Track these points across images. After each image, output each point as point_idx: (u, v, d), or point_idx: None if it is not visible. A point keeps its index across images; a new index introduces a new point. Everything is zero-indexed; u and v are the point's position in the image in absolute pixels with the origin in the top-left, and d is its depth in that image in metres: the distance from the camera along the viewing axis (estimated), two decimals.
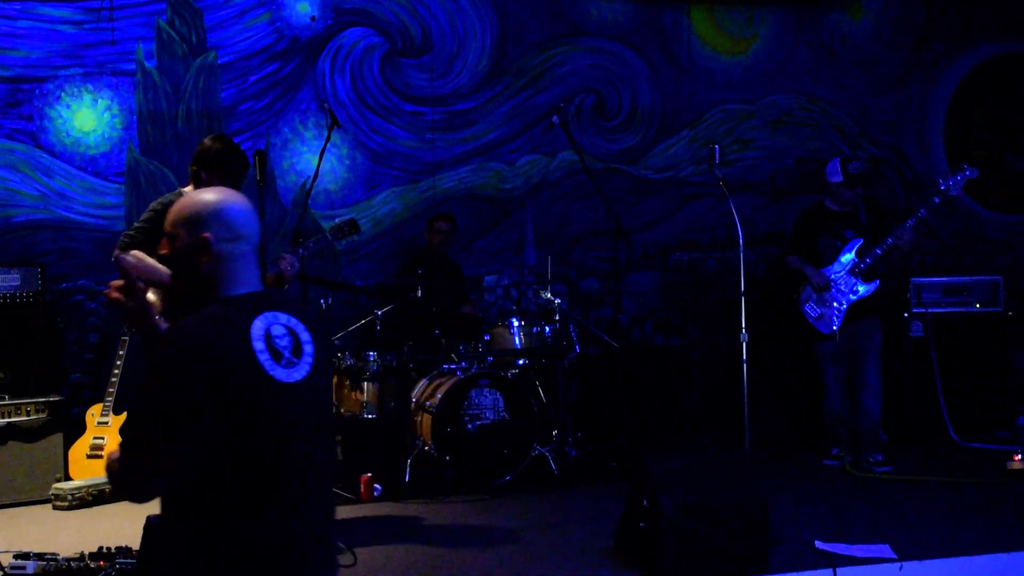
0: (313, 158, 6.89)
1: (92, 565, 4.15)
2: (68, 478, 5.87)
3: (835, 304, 6.04)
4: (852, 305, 6.04)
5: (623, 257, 7.40)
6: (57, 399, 5.95)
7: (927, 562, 4.17)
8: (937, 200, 5.86)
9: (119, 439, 2.22)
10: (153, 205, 4.91)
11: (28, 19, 6.66)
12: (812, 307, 6.12)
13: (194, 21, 6.98)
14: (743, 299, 6.19)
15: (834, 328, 6.02)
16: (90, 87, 6.81)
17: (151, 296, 4.66)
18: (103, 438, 6.06)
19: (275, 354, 2.23)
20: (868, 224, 6.10)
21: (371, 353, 6.12)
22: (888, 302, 6.75)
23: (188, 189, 4.98)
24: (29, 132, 6.69)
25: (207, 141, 4.97)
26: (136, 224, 4.86)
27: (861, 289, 6.02)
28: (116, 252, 4.75)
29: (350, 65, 7.30)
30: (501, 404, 5.89)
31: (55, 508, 5.58)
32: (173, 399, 2.09)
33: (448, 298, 6.79)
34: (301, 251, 5.20)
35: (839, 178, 6.07)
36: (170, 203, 4.82)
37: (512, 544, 4.64)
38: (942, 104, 8.34)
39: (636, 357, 7.16)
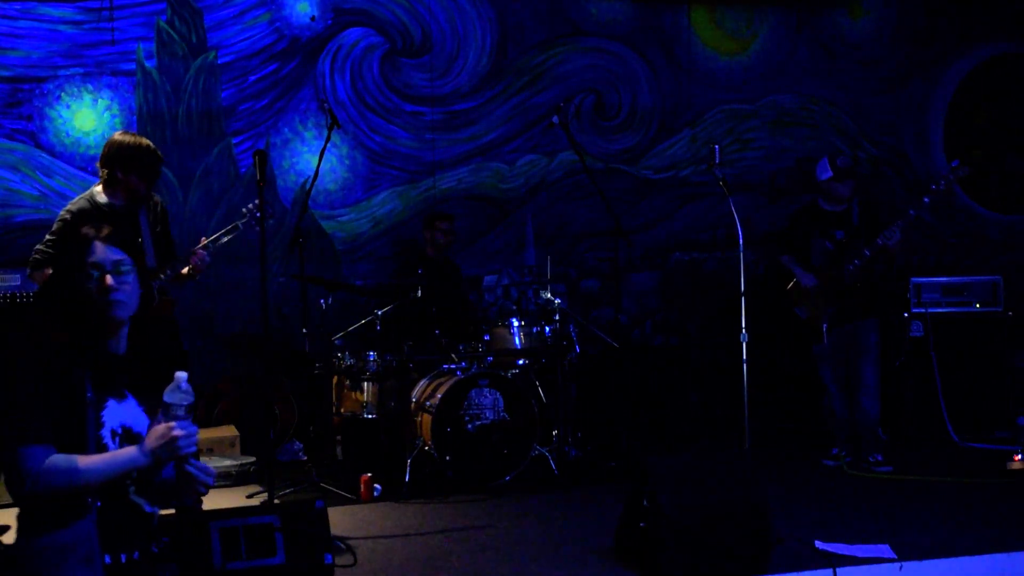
0: (313, 158, 6.89)
1: None
2: None
3: (823, 306, 6.03)
4: (848, 305, 6.03)
5: (623, 257, 7.40)
6: None
7: (927, 562, 4.17)
8: (927, 200, 5.86)
9: None
10: (62, 214, 4.77)
11: (28, 19, 6.66)
12: (802, 309, 6.12)
13: (194, 21, 6.98)
14: (743, 299, 6.18)
15: (823, 330, 6.01)
16: (90, 87, 6.81)
17: None
18: None
19: None
20: (861, 225, 6.09)
21: (371, 353, 6.11)
22: (887, 302, 6.75)
23: (98, 189, 4.86)
24: (29, 132, 6.69)
25: (117, 137, 4.80)
26: (48, 237, 4.72)
27: (850, 291, 6.00)
28: (31, 272, 4.67)
29: (350, 65, 7.30)
30: (501, 404, 5.89)
31: None
32: None
33: (448, 298, 6.79)
34: (211, 247, 4.95)
35: (829, 174, 6.08)
36: (80, 210, 4.69)
37: (512, 544, 4.64)
38: (942, 104, 8.35)
39: (636, 357, 7.17)
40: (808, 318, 6.09)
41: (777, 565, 4.05)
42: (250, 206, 5.06)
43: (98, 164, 4.83)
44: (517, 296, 7.54)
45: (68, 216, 4.71)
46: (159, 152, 4.87)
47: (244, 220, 5.05)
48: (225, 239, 5.06)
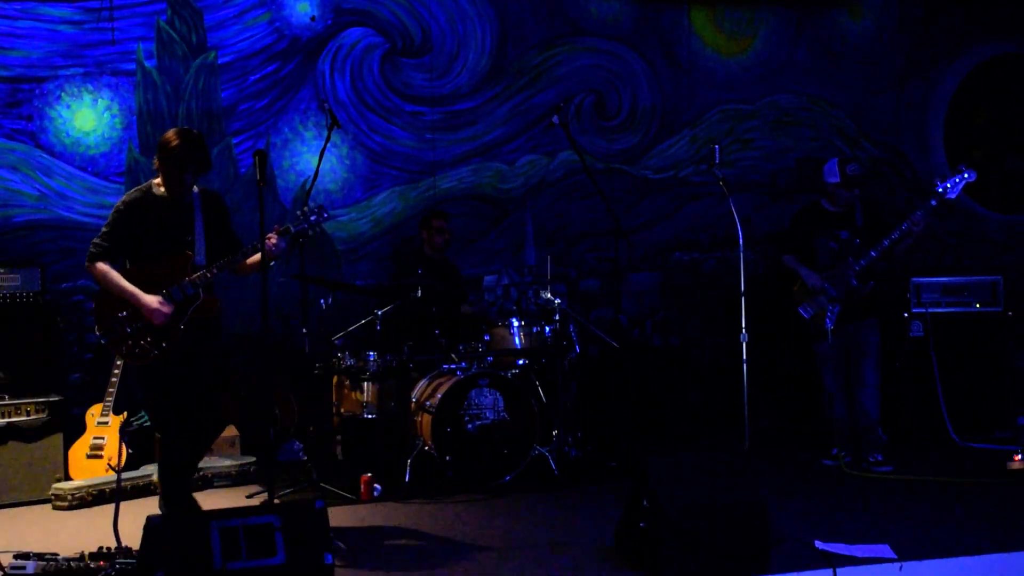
0: (313, 158, 6.89)
1: (92, 565, 4.14)
2: (68, 478, 5.87)
3: (829, 305, 6.03)
4: (850, 306, 6.03)
5: (623, 257, 7.40)
6: (57, 399, 5.95)
7: (927, 562, 4.17)
8: (934, 203, 5.82)
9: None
10: (116, 205, 4.80)
11: (28, 19, 6.66)
12: (806, 308, 6.12)
13: (194, 21, 6.98)
14: (743, 299, 6.19)
15: (828, 329, 6.01)
16: (90, 87, 6.81)
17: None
18: (103, 438, 6.06)
19: None
20: (864, 225, 6.09)
21: (371, 353, 6.11)
22: (887, 302, 6.75)
23: (157, 181, 4.85)
24: (29, 132, 6.69)
25: (167, 134, 4.75)
26: (103, 229, 4.75)
27: (856, 291, 6.01)
28: (87, 264, 4.70)
29: (350, 65, 7.30)
30: (501, 404, 5.89)
31: (55, 508, 5.57)
32: None
33: (448, 298, 6.79)
34: (295, 228, 4.77)
35: (836, 179, 6.06)
36: (133, 200, 4.74)
37: (512, 544, 4.64)
38: (942, 104, 8.35)
39: (636, 357, 7.17)
40: (812, 317, 6.09)
41: (777, 565, 4.05)
42: (309, 206, 4.91)
43: (155, 159, 4.77)
44: (517, 296, 7.54)
45: (122, 207, 4.75)
46: (198, 151, 4.69)
47: (313, 217, 4.85)
48: (297, 228, 4.81)
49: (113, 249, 4.69)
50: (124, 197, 4.86)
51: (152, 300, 4.61)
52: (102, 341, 4.70)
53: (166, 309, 4.63)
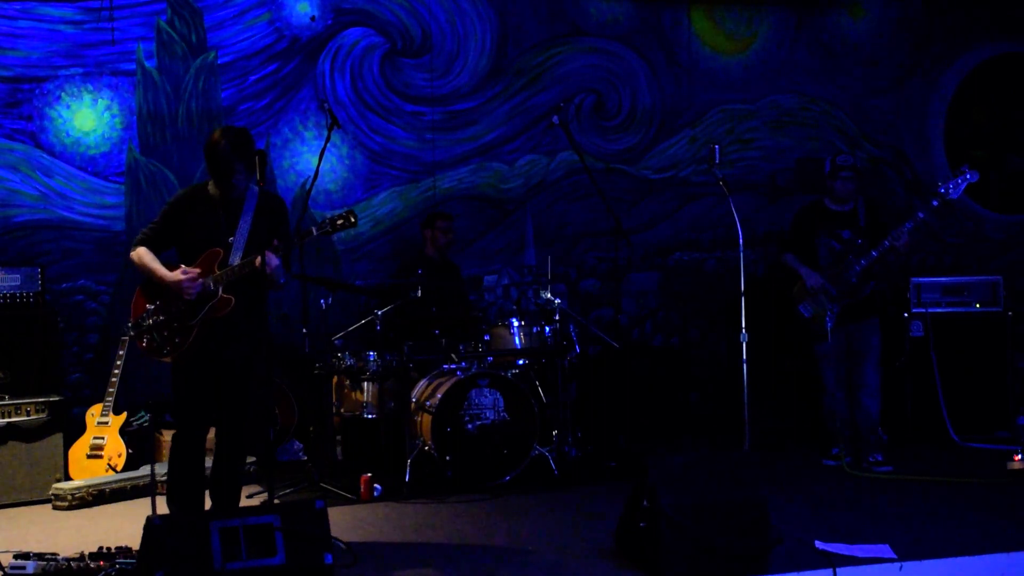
0: (313, 158, 6.89)
1: (92, 565, 4.14)
2: (68, 478, 5.87)
3: (829, 305, 6.03)
4: (850, 305, 6.04)
5: (623, 257, 7.40)
6: (57, 399, 5.95)
7: (927, 562, 4.17)
8: (936, 203, 5.83)
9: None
10: (169, 200, 4.82)
11: (28, 19, 6.66)
12: (806, 307, 6.12)
13: (194, 21, 6.98)
14: (743, 299, 6.19)
15: (828, 328, 6.02)
16: (90, 87, 6.81)
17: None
18: (103, 438, 6.06)
19: None
20: (867, 225, 6.10)
21: (371, 353, 6.11)
22: (888, 302, 6.76)
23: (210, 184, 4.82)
24: (29, 132, 6.69)
25: (213, 134, 4.67)
26: (153, 220, 4.80)
27: (856, 291, 6.01)
28: (131, 251, 4.74)
29: (350, 65, 7.30)
30: (501, 404, 5.89)
31: (55, 508, 5.57)
32: None
33: (448, 298, 6.79)
34: (317, 232, 4.62)
35: (827, 169, 6.14)
36: (183, 195, 4.76)
37: (512, 544, 4.64)
38: (942, 104, 8.35)
39: (636, 357, 7.17)
40: (813, 316, 6.09)
41: (777, 565, 4.05)
42: (336, 212, 4.76)
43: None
44: (517, 296, 7.54)
45: (172, 199, 4.77)
46: (220, 141, 4.56)
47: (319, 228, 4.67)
48: (284, 246, 4.62)
49: (155, 238, 4.68)
50: (176, 195, 4.85)
51: (174, 274, 4.55)
52: (130, 334, 4.68)
53: (188, 280, 4.51)
